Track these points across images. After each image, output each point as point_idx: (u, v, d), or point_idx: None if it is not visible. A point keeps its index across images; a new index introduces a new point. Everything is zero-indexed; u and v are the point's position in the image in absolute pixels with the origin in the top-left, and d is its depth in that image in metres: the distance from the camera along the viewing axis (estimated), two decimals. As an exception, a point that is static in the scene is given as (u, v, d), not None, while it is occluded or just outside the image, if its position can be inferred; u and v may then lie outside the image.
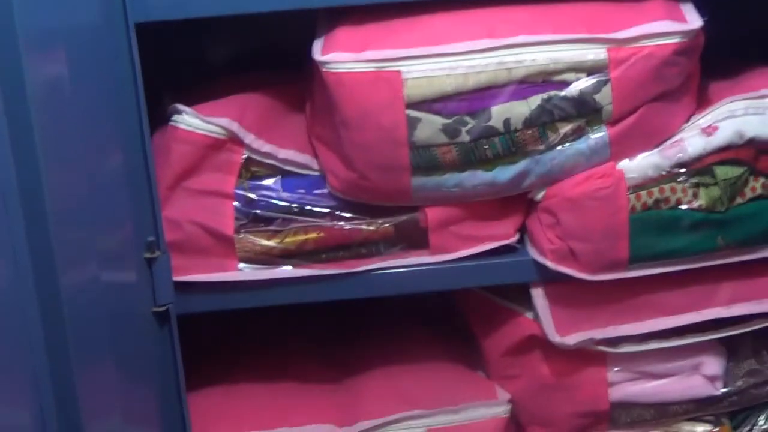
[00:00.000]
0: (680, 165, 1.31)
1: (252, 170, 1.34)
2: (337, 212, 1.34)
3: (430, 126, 1.26)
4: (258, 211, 1.33)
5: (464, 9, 1.30)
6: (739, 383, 1.42)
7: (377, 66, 1.25)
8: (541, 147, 1.29)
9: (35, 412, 0.90)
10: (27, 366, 0.89)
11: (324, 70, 1.26)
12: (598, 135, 1.30)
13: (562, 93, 1.27)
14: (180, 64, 1.55)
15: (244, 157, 1.33)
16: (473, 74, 1.25)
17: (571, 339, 1.36)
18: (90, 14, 1.11)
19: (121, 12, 1.17)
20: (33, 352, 0.90)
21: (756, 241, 1.35)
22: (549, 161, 1.30)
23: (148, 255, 1.22)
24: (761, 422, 1.46)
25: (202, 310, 1.36)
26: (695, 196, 1.31)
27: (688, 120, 1.34)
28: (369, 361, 1.51)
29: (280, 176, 1.35)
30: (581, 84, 1.27)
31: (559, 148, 1.30)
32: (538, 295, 1.38)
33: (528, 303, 1.40)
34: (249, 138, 1.32)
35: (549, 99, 1.27)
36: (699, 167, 1.31)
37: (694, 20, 1.28)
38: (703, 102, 1.36)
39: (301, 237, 1.33)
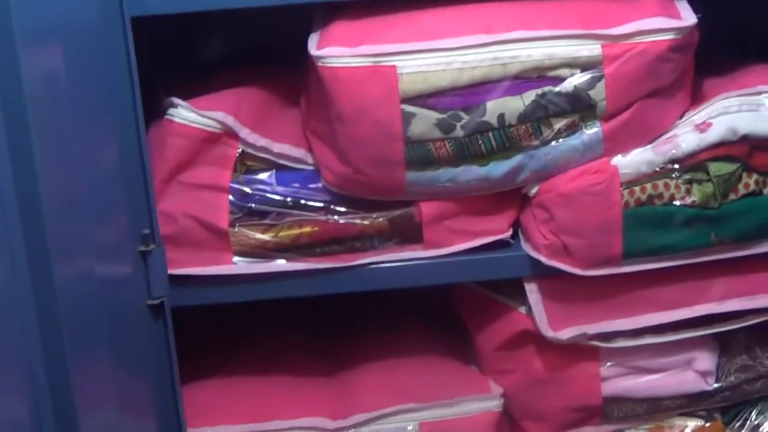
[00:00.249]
0: (674, 161, 1.31)
1: (247, 164, 1.34)
2: (332, 206, 1.34)
3: (425, 121, 1.26)
4: (253, 205, 1.33)
5: (460, 4, 1.30)
6: (732, 379, 1.43)
7: (373, 61, 1.25)
8: (536, 142, 1.30)
9: (30, 405, 0.90)
10: (22, 359, 0.89)
11: (319, 64, 1.26)
12: (592, 131, 1.30)
13: (557, 89, 1.27)
14: (176, 58, 1.55)
15: (239, 151, 1.33)
16: (468, 69, 1.25)
17: (565, 334, 1.36)
18: (86, 8, 1.11)
19: (117, 6, 1.18)
20: (28, 345, 0.90)
21: (749, 237, 1.35)
22: (543, 156, 1.31)
23: (143, 248, 1.22)
24: (753, 418, 1.46)
25: (196, 303, 1.36)
26: (689, 192, 1.32)
27: (682, 116, 1.34)
28: (363, 354, 1.51)
29: (274, 170, 1.35)
30: (575, 80, 1.27)
31: (553, 143, 1.30)
32: (531, 289, 1.38)
33: (522, 298, 1.40)
34: (244, 132, 1.33)
35: (543, 94, 1.27)
36: (692, 163, 1.31)
37: (688, 17, 1.28)
38: (697, 98, 1.36)
39: (296, 231, 1.34)
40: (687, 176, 1.32)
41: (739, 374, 1.43)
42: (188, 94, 1.33)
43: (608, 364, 1.41)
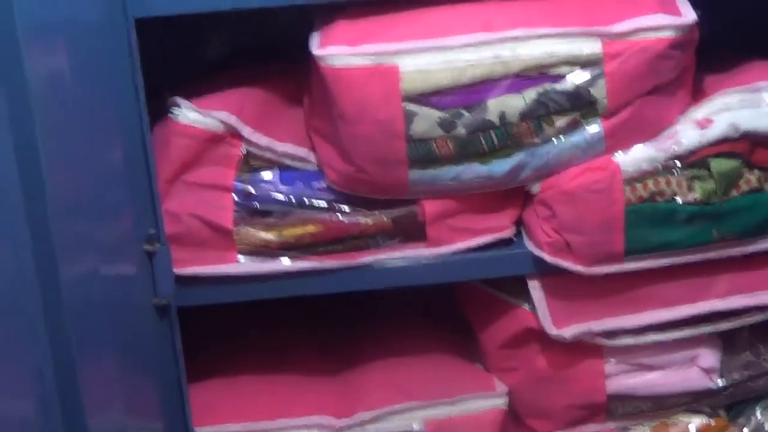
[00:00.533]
0: (675, 158, 1.32)
1: (251, 163, 1.35)
2: (335, 205, 1.35)
3: (427, 119, 1.27)
4: (257, 204, 1.33)
5: (461, 3, 1.30)
6: (736, 376, 1.43)
7: (374, 60, 1.25)
8: (537, 140, 1.30)
9: (38, 404, 0.90)
10: (29, 358, 0.90)
11: (321, 64, 1.26)
12: (593, 128, 1.30)
13: (558, 86, 1.27)
14: (179, 59, 1.56)
15: (242, 150, 1.34)
16: (469, 68, 1.26)
17: (568, 331, 1.37)
18: (90, 9, 1.11)
19: (121, 7, 1.18)
20: (35, 345, 0.90)
21: (751, 233, 1.35)
22: (545, 154, 1.31)
23: (148, 248, 1.23)
24: (758, 414, 1.46)
25: (202, 303, 1.37)
26: (690, 188, 1.32)
27: (683, 113, 1.34)
28: (367, 352, 1.52)
29: (278, 169, 1.35)
30: (576, 77, 1.27)
31: (554, 141, 1.30)
32: (534, 287, 1.39)
33: (525, 295, 1.40)
34: (247, 131, 1.33)
35: (544, 92, 1.27)
36: (694, 160, 1.32)
37: (688, 14, 1.29)
38: (698, 95, 1.36)
39: (300, 230, 1.34)
40: (689, 173, 1.32)
41: (743, 371, 1.43)
42: (192, 93, 1.34)
43: (612, 361, 1.41)
